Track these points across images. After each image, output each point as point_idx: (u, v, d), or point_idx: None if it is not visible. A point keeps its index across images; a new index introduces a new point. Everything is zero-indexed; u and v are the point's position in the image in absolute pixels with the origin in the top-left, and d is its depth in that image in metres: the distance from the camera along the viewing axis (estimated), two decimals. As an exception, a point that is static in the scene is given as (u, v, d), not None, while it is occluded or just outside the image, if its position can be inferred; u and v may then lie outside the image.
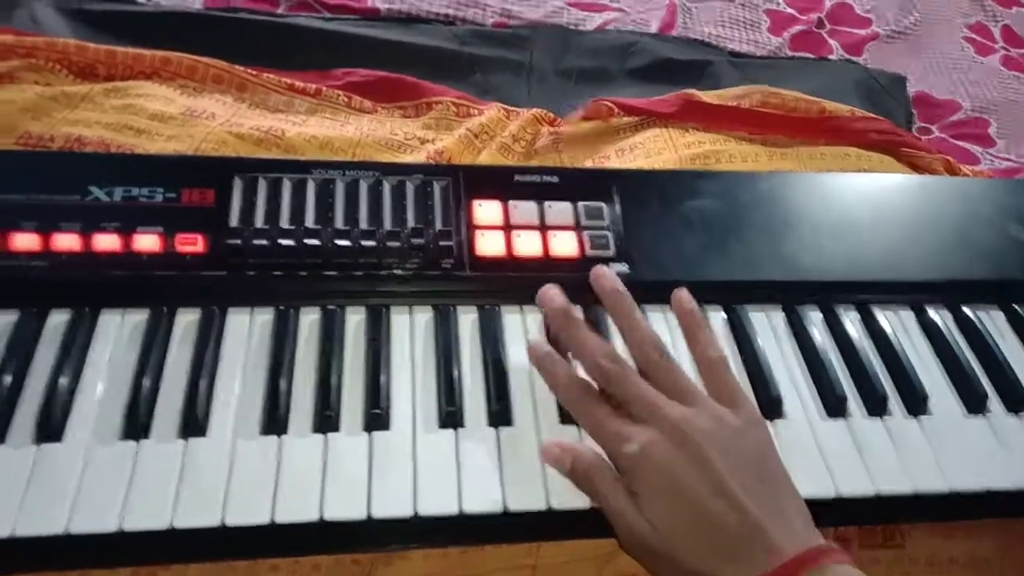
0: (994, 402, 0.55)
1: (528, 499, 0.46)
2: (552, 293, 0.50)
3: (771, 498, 0.41)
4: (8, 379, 0.46)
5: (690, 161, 0.75)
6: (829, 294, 0.60)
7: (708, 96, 0.82)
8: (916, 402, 0.54)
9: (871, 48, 1.07)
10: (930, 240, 0.62)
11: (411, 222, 0.55)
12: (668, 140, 0.78)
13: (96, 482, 0.43)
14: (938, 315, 0.60)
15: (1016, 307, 0.62)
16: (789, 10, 1.10)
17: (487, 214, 0.57)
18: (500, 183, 0.59)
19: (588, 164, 0.78)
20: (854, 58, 1.05)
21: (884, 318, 0.59)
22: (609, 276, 0.51)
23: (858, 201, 0.64)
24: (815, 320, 0.58)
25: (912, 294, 0.61)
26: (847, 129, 0.80)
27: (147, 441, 0.45)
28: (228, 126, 0.69)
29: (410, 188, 0.57)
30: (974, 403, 0.55)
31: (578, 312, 0.50)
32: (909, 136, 0.85)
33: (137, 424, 0.45)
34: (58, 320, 0.49)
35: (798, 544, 0.39)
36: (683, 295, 0.50)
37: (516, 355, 0.53)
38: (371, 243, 0.54)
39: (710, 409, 0.44)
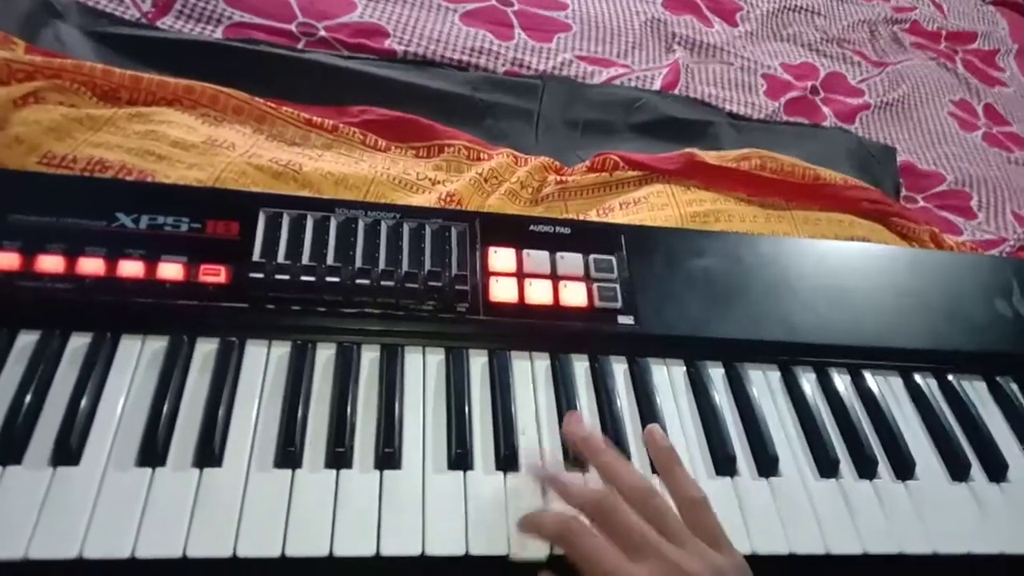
0: (976, 470, 0.58)
1: (531, 547, 0.47)
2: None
3: None
4: (27, 400, 0.46)
5: (691, 218, 0.78)
6: (822, 356, 0.62)
7: (709, 156, 0.85)
8: (904, 467, 0.56)
9: (862, 117, 1.12)
10: (919, 310, 0.65)
11: (428, 265, 0.57)
12: (670, 196, 0.81)
13: (111, 508, 0.44)
14: (924, 382, 0.63)
15: (998, 379, 0.64)
16: (785, 76, 1.15)
17: (502, 261, 0.59)
18: (515, 231, 0.61)
19: (593, 214, 0.80)
20: (846, 126, 1.09)
21: (874, 382, 0.62)
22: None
23: (854, 269, 0.67)
24: (809, 381, 0.61)
25: (900, 360, 0.64)
26: (840, 196, 0.84)
27: (162, 469, 0.46)
28: (247, 157, 0.70)
29: (429, 232, 0.59)
30: (958, 471, 0.57)
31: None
32: (898, 206, 0.89)
33: (153, 452, 0.46)
34: (79, 343, 0.50)
35: None
36: (656, 431, 0.50)
37: (524, 400, 0.54)
38: (389, 283, 0.55)
39: (701, 552, 0.43)
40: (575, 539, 0.43)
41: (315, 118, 0.80)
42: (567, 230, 0.62)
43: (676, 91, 1.04)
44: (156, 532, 0.43)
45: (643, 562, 0.41)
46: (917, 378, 0.63)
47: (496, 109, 0.92)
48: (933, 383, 0.63)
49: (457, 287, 0.56)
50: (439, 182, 0.78)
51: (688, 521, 0.45)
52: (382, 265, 0.56)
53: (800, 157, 0.89)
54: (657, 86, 1.04)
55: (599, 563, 0.42)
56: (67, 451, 0.45)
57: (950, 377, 0.64)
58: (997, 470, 0.58)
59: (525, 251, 0.60)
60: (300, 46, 0.91)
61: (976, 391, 0.64)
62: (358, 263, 0.56)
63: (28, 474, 0.44)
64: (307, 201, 0.60)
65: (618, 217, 0.79)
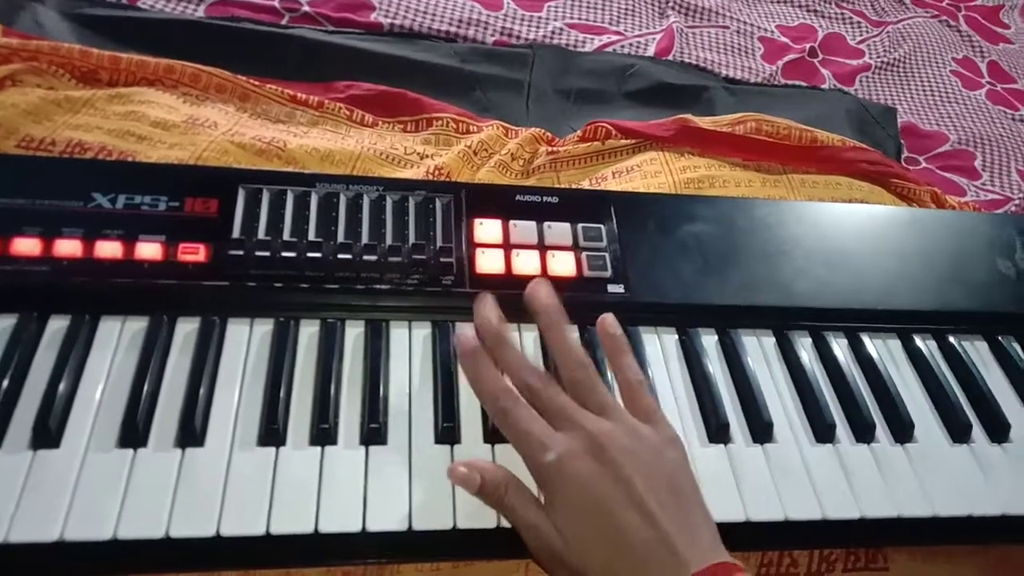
0: (977, 431, 0.57)
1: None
2: (488, 309, 0.50)
3: (682, 514, 0.42)
4: (6, 384, 0.46)
5: (685, 185, 0.77)
6: (819, 320, 0.61)
7: (703, 122, 0.83)
8: (902, 430, 0.55)
9: (862, 79, 1.09)
10: (918, 271, 0.64)
11: (412, 238, 0.56)
12: (664, 163, 0.79)
13: (92, 490, 0.43)
14: (924, 344, 0.61)
15: (1000, 338, 0.63)
16: (782, 39, 1.13)
17: (488, 232, 0.58)
18: (501, 202, 0.60)
19: (585, 184, 0.79)
20: (846, 88, 1.07)
21: (872, 345, 0.60)
22: (542, 291, 0.51)
23: (850, 231, 0.65)
24: (805, 346, 0.60)
25: (899, 323, 0.62)
26: (838, 159, 0.82)
27: (144, 450, 0.45)
28: (230, 135, 0.69)
29: (412, 204, 0.58)
30: (958, 432, 0.56)
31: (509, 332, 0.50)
32: (898, 167, 0.87)
33: (135, 432, 0.45)
34: (58, 326, 0.49)
35: (705, 559, 0.40)
36: (609, 319, 0.51)
37: (513, 373, 0.53)
38: (372, 258, 0.54)
39: (630, 425, 0.45)
40: (506, 410, 0.45)
41: (300, 95, 0.79)
42: (555, 199, 0.61)
43: (670, 57, 1.02)
44: (138, 513, 0.42)
45: (565, 435, 0.44)
46: (917, 340, 0.62)
47: (485, 80, 0.90)
48: (933, 344, 0.62)
49: (442, 260, 0.55)
50: (427, 156, 0.77)
51: (626, 401, 0.47)
52: (365, 239, 0.55)
53: (799, 120, 0.87)
54: (651, 52, 1.02)
55: (523, 435, 0.44)
56: (47, 434, 0.44)
57: (951, 338, 0.62)
58: (998, 430, 0.57)
59: (512, 222, 0.58)
60: (284, 22, 0.90)
61: (977, 351, 0.63)
62: (340, 238, 0.55)
63: (8, 458, 0.43)
64: (287, 176, 0.59)
65: (611, 186, 0.78)
